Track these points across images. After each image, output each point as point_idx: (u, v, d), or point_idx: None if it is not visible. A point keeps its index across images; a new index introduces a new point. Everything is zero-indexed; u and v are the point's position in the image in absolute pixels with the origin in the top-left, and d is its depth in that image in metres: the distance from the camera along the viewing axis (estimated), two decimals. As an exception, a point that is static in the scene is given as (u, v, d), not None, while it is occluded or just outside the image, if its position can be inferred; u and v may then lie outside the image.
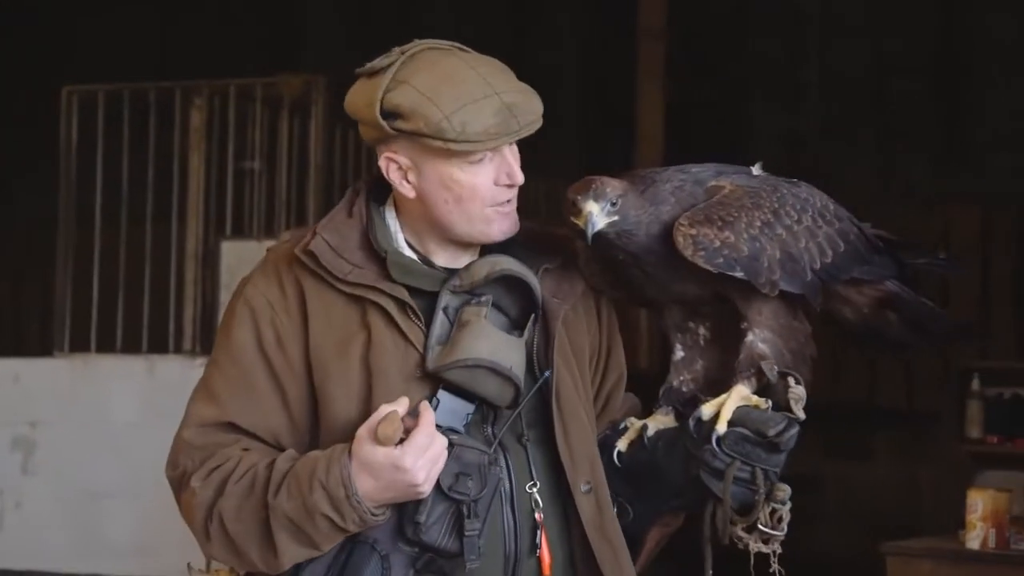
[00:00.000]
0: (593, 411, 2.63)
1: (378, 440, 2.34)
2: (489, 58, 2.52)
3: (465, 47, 2.54)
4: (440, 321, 2.48)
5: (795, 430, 2.45)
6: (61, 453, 7.55)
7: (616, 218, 2.48)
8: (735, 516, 2.48)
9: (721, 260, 2.46)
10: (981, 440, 7.27)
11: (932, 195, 9.52)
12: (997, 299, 9.23)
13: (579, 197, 2.47)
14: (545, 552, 2.49)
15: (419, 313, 2.48)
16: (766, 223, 2.50)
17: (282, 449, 2.49)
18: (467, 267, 2.52)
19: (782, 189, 2.57)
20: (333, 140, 8.01)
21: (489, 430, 2.49)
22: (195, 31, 10.95)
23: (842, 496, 9.44)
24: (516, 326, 2.52)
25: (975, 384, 7.31)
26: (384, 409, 2.37)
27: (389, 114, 2.47)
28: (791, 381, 2.49)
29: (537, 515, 2.50)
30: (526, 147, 2.54)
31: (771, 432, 2.44)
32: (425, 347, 2.47)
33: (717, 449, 2.45)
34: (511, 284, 2.50)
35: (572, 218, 2.49)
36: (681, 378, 2.61)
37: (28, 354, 8.80)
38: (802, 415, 2.47)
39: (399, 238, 2.55)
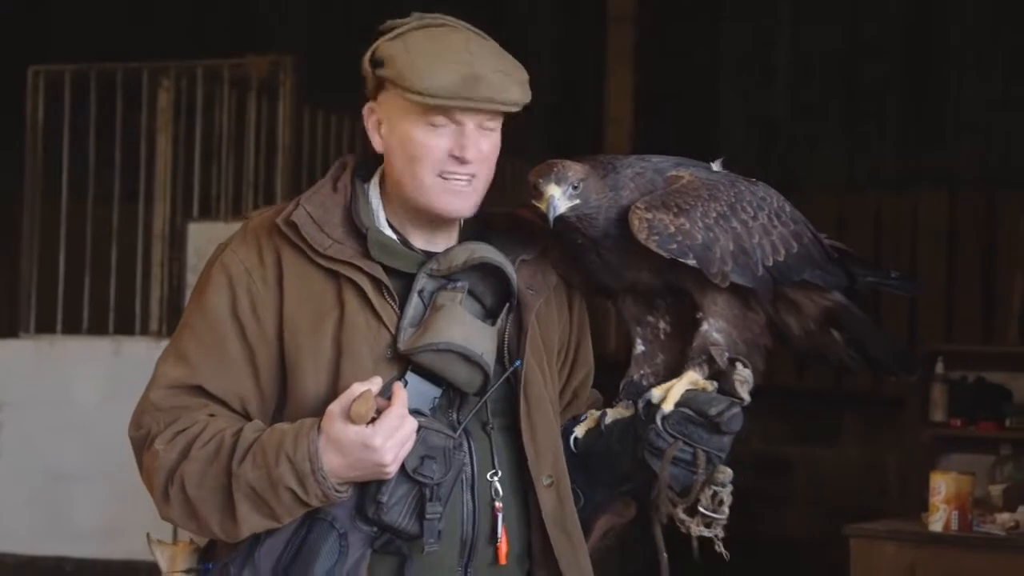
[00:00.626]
0: (559, 405, 2.65)
1: (350, 418, 2.35)
2: (494, 43, 2.55)
3: (480, 32, 2.56)
4: (415, 303, 2.49)
5: (736, 410, 2.48)
6: (26, 435, 7.53)
7: (577, 201, 2.50)
8: (676, 498, 2.49)
9: (674, 246, 2.48)
10: (945, 423, 7.29)
11: (901, 178, 9.55)
12: (963, 282, 9.26)
13: (541, 180, 2.49)
14: (503, 541, 2.51)
15: (394, 293, 2.49)
16: (722, 215, 2.52)
17: (248, 417, 2.50)
18: (446, 252, 2.53)
19: (740, 186, 2.59)
20: (301, 121, 7.99)
21: (455, 415, 2.50)
22: (163, 11, 10.89)
23: (809, 479, 9.48)
24: (490, 315, 2.53)
25: (939, 367, 7.33)
26: (358, 388, 2.37)
27: (376, 63, 2.52)
28: (738, 366, 2.52)
29: (497, 504, 2.51)
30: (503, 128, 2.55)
31: (712, 411, 2.46)
32: (397, 328, 2.47)
33: (661, 429, 2.47)
34: (488, 272, 2.52)
35: (534, 201, 2.50)
36: (641, 372, 2.63)
37: (-7, 335, 8.77)
38: (747, 398, 2.50)
39: (380, 216, 2.56)
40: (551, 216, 2.47)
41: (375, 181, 2.60)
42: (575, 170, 2.50)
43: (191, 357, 2.51)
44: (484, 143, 2.50)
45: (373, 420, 2.36)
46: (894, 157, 9.63)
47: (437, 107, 2.46)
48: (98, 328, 7.87)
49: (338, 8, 10.41)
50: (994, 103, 9.37)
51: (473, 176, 2.50)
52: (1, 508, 7.54)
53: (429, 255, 2.54)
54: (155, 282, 7.92)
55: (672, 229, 2.48)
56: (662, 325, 2.62)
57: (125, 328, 7.85)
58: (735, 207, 2.54)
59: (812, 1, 9.87)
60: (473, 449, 2.50)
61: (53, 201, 8.03)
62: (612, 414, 2.61)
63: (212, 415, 2.48)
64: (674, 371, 2.59)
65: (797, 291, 2.66)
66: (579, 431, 2.63)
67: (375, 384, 2.39)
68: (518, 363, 2.53)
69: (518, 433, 2.54)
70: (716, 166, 2.65)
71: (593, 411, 2.64)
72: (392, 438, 2.35)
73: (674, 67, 9.97)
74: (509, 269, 2.52)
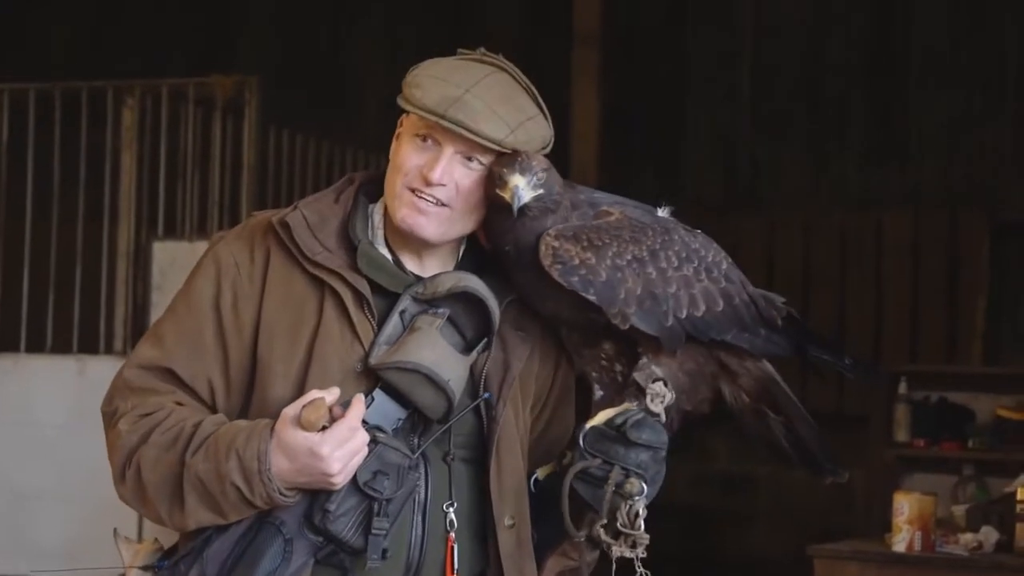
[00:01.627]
0: (526, 449, 2.64)
1: (301, 424, 2.36)
2: (521, 91, 2.56)
3: (525, 81, 2.58)
4: (393, 322, 2.51)
5: (639, 417, 2.47)
6: (-11, 454, 7.49)
7: (541, 191, 2.51)
8: (594, 516, 2.47)
9: (576, 279, 2.48)
10: (908, 444, 7.32)
11: (864, 196, 9.58)
12: (927, 301, 9.29)
13: (505, 170, 2.49)
14: (451, 573, 2.51)
15: (374, 309, 2.51)
16: (637, 259, 2.51)
17: (215, 408, 2.52)
18: (433, 277, 2.55)
19: (674, 235, 2.58)
20: (266, 140, 7.98)
21: (416, 440, 2.50)
22: (127, 30, 10.88)
23: (774, 498, 9.49)
24: (469, 347, 2.53)
25: (902, 387, 7.36)
26: (313, 394, 2.39)
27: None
28: (658, 384, 2.51)
29: (451, 535, 2.51)
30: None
31: (617, 420, 2.47)
32: (372, 344, 2.48)
33: (582, 448, 2.47)
34: (472, 304, 2.52)
35: (498, 191, 2.50)
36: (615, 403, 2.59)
37: (-43, 353, 8.72)
38: (656, 410, 2.49)
39: (379, 235, 2.58)
40: (515, 205, 2.48)
41: (382, 201, 2.62)
42: (538, 160, 2.52)
43: (167, 340, 2.54)
44: (461, 174, 2.51)
45: (325, 429, 2.36)
46: (857, 174, 9.67)
47: (420, 120, 2.50)
48: (62, 347, 7.84)
49: (303, 29, 10.42)
50: (956, 121, 9.42)
51: (439, 201, 2.51)
52: (-36, 528, 7.49)
53: (419, 279, 2.55)
54: (119, 301, 7.88)
55: (577, 262, 2.48)
56: (618, 368, 2.60)
57: (89, 347, 7.81)
58: (657, 254, 2.53)
59: (774, 18, 9.91)
60: (429, 476, 2.51)
61: (17, 219, 8.00)
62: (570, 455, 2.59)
63: (179, 402, 2.51)
64: None
65: (731, 356, 2.64)
66: (540, 473, 2.63)
67: (332, 394, 2.40)
68: (487, 395, 2.54)
69: (483, 469, 2.55)
70: (662, 212, 2.65)
71: (566, 451, 2.61)
72: (340, 448, 2.36)
73: (639, 84, 10.00)
74: (492, 303, 2.52)
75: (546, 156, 2.57)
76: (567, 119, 8.65)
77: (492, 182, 2.51)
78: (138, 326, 7.66)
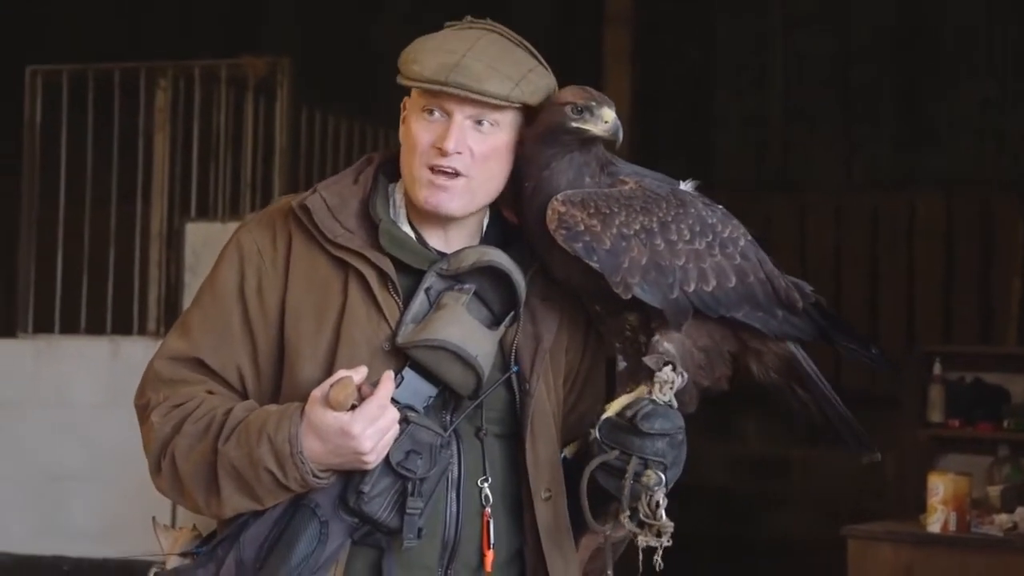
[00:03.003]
0: (561, 421, 2.62)
1: (329, 404, 2.35)
2: (514, 46, 2.55)
3: (517, 37, 2.58)
4: (420, 300, 2.49)
5: (649, 408, 2.43)
6: (24, 435, 7.53)
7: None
8: (619, 507, 2.45)
9: (580, 245, 2.46)
10: (943, 424, 7.29)
11: (896, 179, 9.55)
12: (961, 283, 9.26)
13: (593, 103, 2.49)
14: (488, 548, 2.50)
15: (399, 288, 2.49)
16: (646, 229, 2.49)
17: (246, 395, 2.51)
18: (456, 252, 2.52)
19: (690, 208, 2.55)
20: (298, 121, 7.99)
21: (448, 417, 2.49)
22: (160, 11, 10.90)
23: (806, 480, 9.47)
24: (497, 321, 2.51)
25: (937, 368, 7.33)
26: (340, 374, 2.38)
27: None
28: (665, 368, 2.47)
29: (487, 510, 2.50)
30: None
31: (628, 413, 2.44)
32: (399, 322, 2.47)
33: (599, 439, 2.46)
34: (498, 278, 2.50)
35: (577, 124, 2.49)
36: (630, 388, 2.55)
37: (-9, 335, 8.76)
38: (665, 398, 2.46)
39: (401, 214, 2.56)
40: (619, 136, 2.49)
41: (402, 180, 2.60)
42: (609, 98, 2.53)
43: (194, 330, 2.54)
44: (474, 139, 2.49)
45: (355, 407, 2.36)
46: (890, 158, 9.64)
47: (423, 92, 2.49)
48: (96, 328, 7.87)
49: (330, 12, 10.43)
50: (989, 103, 9.38)
51: (458, 172, 2.49)
52: (-1, 508, 7.54)
53: (443, 255, 2.54)
54: (152, 282, 7.92)
55: (581, 228, 2.46)
56: (642, 339, 2.57)
57: (123, 328, 7.85)
58: (668, 225, 2.51)
59: (805, 4, 9.88)
60: (462, 452, 2.49)
61: (51, 201, 8.03)
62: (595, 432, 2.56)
63: (210, 391, 2.50)
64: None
65: (753, 337, 2.62)
66: (568, 450, 2.61)
67: (359, 373, 2.39)
68: (515, 369, 2.53)
69: (518, 443, 2.53)
70: (685, 185, 2.62)
71: (591, 429, 2.58)
72: (371, 426, 2.35)
73: (670, 68, 9.98)
74: (517, 276, 2.50)
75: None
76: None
77: (565, 116, 2.50)
78: (171, 307, 7.69)
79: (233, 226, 2.64)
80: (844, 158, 9.76)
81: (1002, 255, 9.04)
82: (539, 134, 2.52)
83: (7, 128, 8.77)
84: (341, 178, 2.60)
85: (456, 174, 2.49)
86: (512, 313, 2.52)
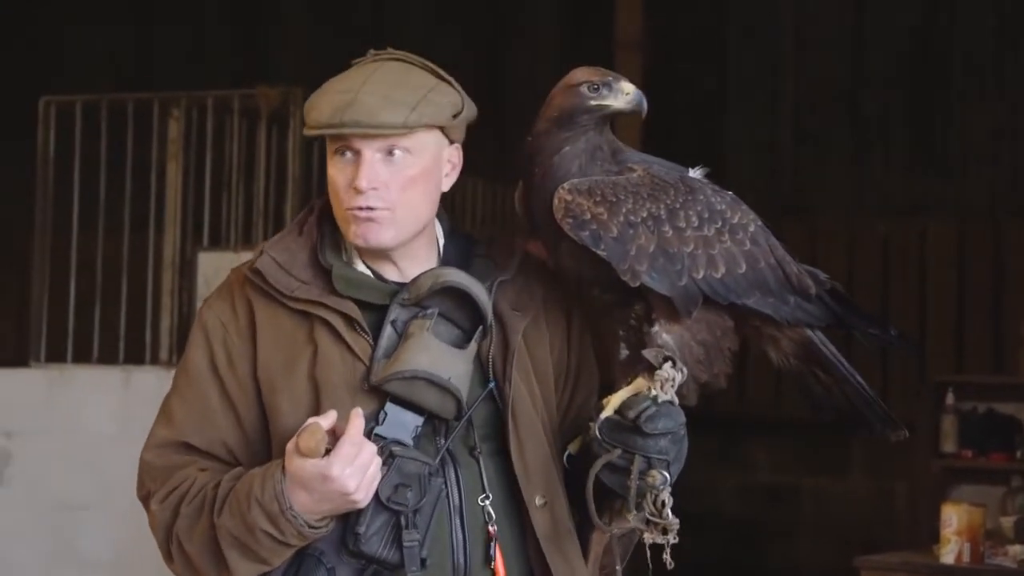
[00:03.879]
0: (556, 425, 2.63)
1: (302, 453, 2.36)
2: (413, 70, 2.55)
3: (418, 59, 2.58)
4: (388, 334, 2.50)
5: (652, 410, 2.43)
6: (36, 464, 7.52)
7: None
8: (627, 505, 2.45)
9: (587, 233, 2.46)
10: (955, 454, 7.28)
11: (908, 207, 9.55)
12: (973, 312, 9.25)
13: (611, 79, 2.50)
14: (500, 565, 2.51)
15: (366, 327, 2.51)
16: (653, 216, 2.49)
17: (238, 465, 2.53)
18: (414, 280, 2.54)
19: (698, 195, 2.55)
20: (311, 151, 8.00)
21: (441, 441, 2.50)
22: (174, 42, 10.94)
23: (817, 509, 9.46)
24: (469, 338, 2.52)
25: (949, 398, 7.32)
26: (308, 422, 2.39)
27: None
28: (665, 365, 2.47)
29: (490, 528, 2.51)
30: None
31: (630, 414, 2.44)
32: (371, 360, 2.49)
33: (599, 438, 2.46)
34: (461, 296, 2.51)
35: (597, 102, 2.50)
36: (630, 377, 2.55)
37: (3, 364, 8.76)
38: (666, 396, 2.45)
39: (354, 253, 2.58)
40: (643, 106, 2.50)
41: None
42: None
43: (176, 415, 2.57)
44: (387, 172, 2.50)
45: (329, 451, 2.36)
46: (901, 185, 9.63)
47: (320, 137, 2.51)
48: (108, 357, 7.88)
49: (345, 38, 10.46)
50: (1000, 132, 9.38)
51: (374, 207, 2.50)
52: (10, 537, 7.53)
53: (403, 285, 2.55)
54: (165, 311, 7.93)
55: (588, 216, 2.46)
56: (646, 328, 2.56)
57: (135, 358, 7.85)
58: (676, 212, 2.50)
59: (816, 29, 9.89)
60: (460, 475, 2.51)
61: (64, 230, 8.04)
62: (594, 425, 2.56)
63: (203, 469, 2.52)
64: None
65: (768, 324, 2.62)
66: (572, 447, 2.61)
67: (328, 418, 2.40)
68: (491, 385, 2.54)
69: (508, 455, 2.54)
70: (694, 172, 2.62)
71: (590, 423, 2.58)
72: (350, 466, 2.36)
73: (681, 94, 9.99)
74: (476, 290, 2.51)
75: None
76: (610, 125, 8.64)
77: (582, 96, 2.51)
78: (183, 337, 7.67)
79: (246, 255, 2.67)
80: (856, 184, 9.76)
81: (1014, 283, 9.03)
82: (553, 119, 2.53)
83: (21, 157, 8.80)
84: (286, 234, 2.62)
85: (378, 209, 2.50)
86: (481, 328, 2.53)
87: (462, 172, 2.64)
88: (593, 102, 2.50)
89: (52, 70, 10.47)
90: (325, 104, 2.48)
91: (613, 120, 2.55)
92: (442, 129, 2.55)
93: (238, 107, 7.90)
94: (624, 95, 2.50)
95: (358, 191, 2.48)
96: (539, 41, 10.09)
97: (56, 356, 7.93)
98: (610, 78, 2.50)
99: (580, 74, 2.53)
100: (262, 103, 7.81)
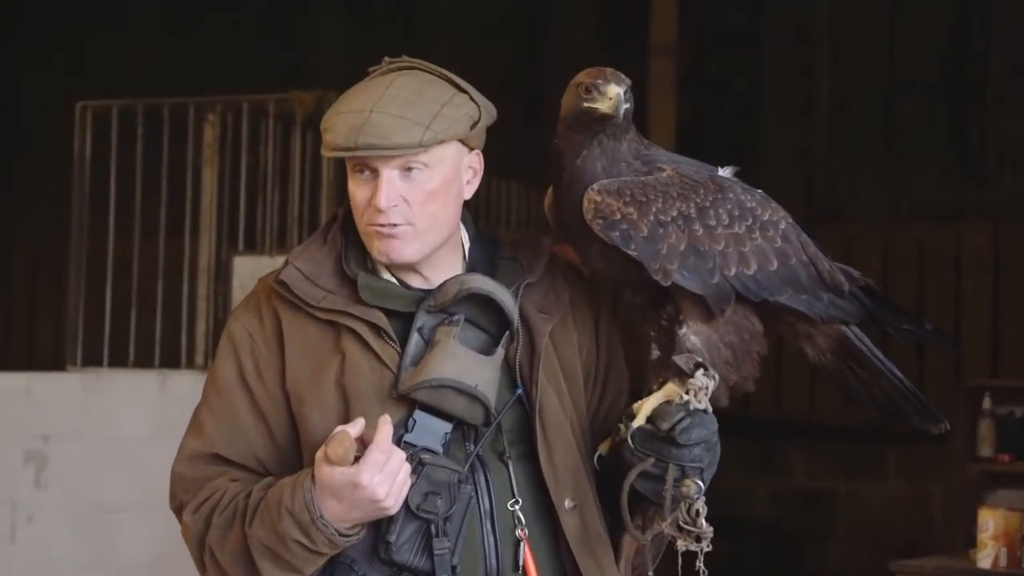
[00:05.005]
0: (586, 427, 2.63)
1: (331, 461, 2.36)
2: (425, 79, 2.55)
3: (435, 68, 2.57)
4: (415, 342, 2.51)
5: (687, 422, 2.43)
6: (73, 467, 7.56)
7: (628, 106, 2.51)
8: (660, 513, 2.45)
9: (617, 234, 2.47)
10: (992, 459, 7.25)
11: (943, 212, 9.51)
12: (1008, 316, 9.21)
13: (600, 81, 2.50)
14: (531, 569, 2.51)
15: (393, 335, 2.51)
16: (684, 215, 2.49)
17: (269, 475, 2.54)
18: (440, 286, 2.54)
19: (728, 193, 2.55)
20: (345, 156, 8.01)
21: (471, 447, 2.51)
22: (209, 46, 10.98)
23: (853, 514, 9.43)
24: (496, 343, 2.53)
25: (986, 403, 7.29)
26: (336, 430, 2.39)
27: None
28: (697, 373, 2.46)
29: (519, 532, 2.51)
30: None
31: (664, 425, 2.43)
32: (399, 368, 2.49)
33: (632, 446, 2.46)
34: (486, 302, 2.51)
35: (588, 104, 2.50)
36: (660, 380, 2.55)
37: (40, 368, 8.81)
38: (700, 405, 2.44)
39: (378, 262, 2.58)
40: (620, 110, 2.48)
41: None
42: (625, 77, 2.52)
43: (206, 427, 2.58)
44: (406, 189, 2.50)
45: (358, 459, 2.37)
46: (936, 191, 9.60)
47: (341, 159, 2.51)
48: (144, 361, 7.91)
49: (379, 43, 10.49)
50: (1035, 136, 9.35)
51: (395, 224, 2.50)
52: (48, 540, 7.57)
53: (429, 292, 2.55)
54: (200, 316, 7.95)
55: (618, 216, 2.47)
56: (676, 329, 2.56)
57: (171, 361, 7.88)
58: (706, 211, 2.51)
59: (851, 33, 9.87)
60: (490, 480, 2.51)
61: (100, 235, 8.08)
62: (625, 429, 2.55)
63: (234, 480, 2.54)
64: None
65: (801, 321, 2.61)
66: (602, 448, 2.61)
67: (356, 426, 2.39)
68: (519, 391, 2.54)
69: (537, 459, 2.54)
70: (724, 171, 2.62)
71: (620, 426, 2.58)
72: (379, 473, 2.36)
73: (716, 99, 9.98)
74: (502, 295, 2.52)
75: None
76: (644, 131, 8.64)
77: (578, 97, 2.51)
78: (219, 340, 7.69)
79: (281, 259, 2.66)
80: (890, 189, 9.73)
81: (1049, 287, 8.99)
82: (564, 120, 2.54)
83: (57, 163, 8.84)
84: (311, 243, 2.63)
85: (398, 226, 2.50)
86: (508, 333, 2.53)
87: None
88: (584, 104, 2.51)
89: (88, 75, 10.51)
90: (340, 125, 2.48)
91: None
92: (461, 138, 2.55)
93: (273, 111, 7.92)
94: (608, 100, 2.50)
95: (378, 210, 2.49)
96: (574, 44, 10.09)
97: (92, 360, 7.96)
98: (600, 80, 2.50)
99: (580, 75, 2.54)
100: (297, 107, 7.82)
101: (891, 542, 8.47)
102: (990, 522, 5.75)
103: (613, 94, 2.49)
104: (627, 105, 2.50)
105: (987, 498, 7.04)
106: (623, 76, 2.52)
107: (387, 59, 2.59)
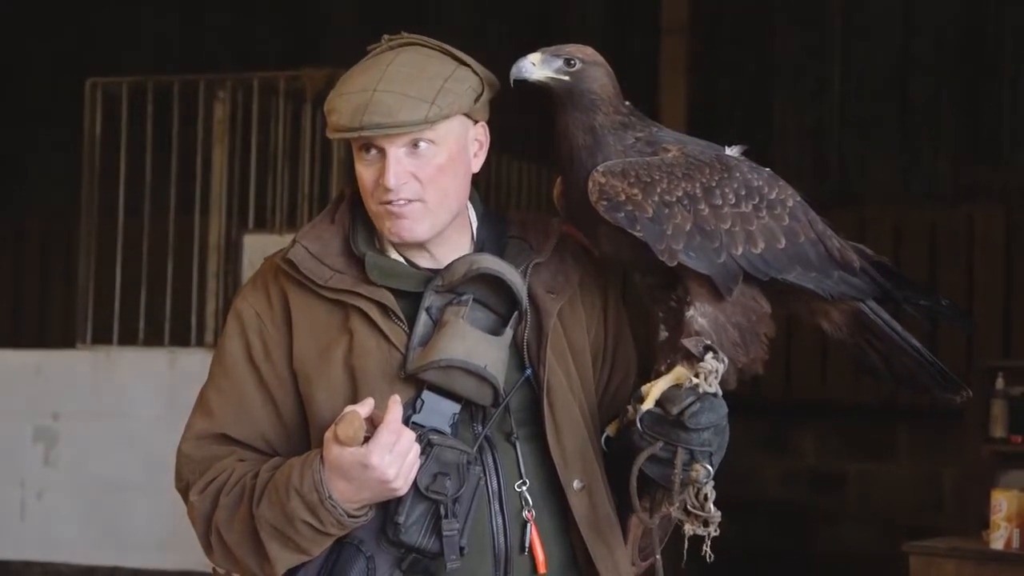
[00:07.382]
0: (595, 408, 2.61)
1: (341, 441, 2.34)
2: (426, 54, 2.52)
3: (434, 43, 2.55)
4: (423, 322, 2.48)
5: (697, 406, 2.40)
6: (83, 445, 7.57)
7: (565, 79, 2.49)
8: (668, 497, 2.43)
9: (622, 215, 2.44)
10: (1005, 440, 7.22)
11: (955, 193, 9.49)
12: (1021, 297, 9.19)
13: (537, 52, 2.51)
14: (537, 550, 2.49)
15: (400, 315, 2.49)
16: (689, 195, 2.47)
17: (276, 455, 2.52)
18: (448, 266, 2.52)
19: (734, 172, 2.52)
20: (356, 134, 8.00)
21: (479, 428, 2.49)
22: (220, 24, 10.97)
23: (864, 495, 9.42)
24: (504, 323, 2.50)
25: (999, 383, 7.27)
26: (346, 410, 2.37)
27: None
28: (707, 356, 2.44)
29: (526, 513, 2.49)
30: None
31: (673, 409, 2.41)
32: (407, 348, 2.47)
33: (640, 430, 2.44)
34: (496, 282, 2.49)
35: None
36: (668, 361, 2.51)
37: (51, 346, 8.82)
38: (711, 388, 2.41)
39: (386, 241, 2.55)
40: (513, 77, 2.48)
41: None
42: (584, 53, 2.50)
43: (213, 407, 2.56)
44: (414, 165, 2.47)
45: (368, 440, 2.35)
46: (949, 171, 9.57)
47: (345, 140, 2.48)
48: (154, 339, 7.92)
49: (393, 21, 10.46)
50: (1048, 117, 9.32)
51: (407, 200, 2.48)
52: (57, 518, 7.58)
53: (437, 272, 2.53)
54: (210, 294, 7.96)
55: (623, 198, 2.44)
56: (684, 310, 2.53)
57: (180, 340, 7.89)
58: (711, 190, 2.48)
59: (863, 14, 9.84)
60: (498, 461, 2.49)
61: (110, 213, 8.08)
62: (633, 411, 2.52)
63: (241, 460, 2.52)
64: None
65: (815, 300, 2.59)
66: (610, 430, 2.59)
67: (365, 406, 2.37)
68: (528, 372, 2.52)
69: (545, 440, 2.52)
70: (731, 150, 2.59)
71: (628, 408, 2.54)
72: (389, 453, 2.34)
73: (727, 79, 9.95)
74: (511, 276, 2.49)
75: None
76: (656, 112, 8.63)
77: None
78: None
79: (291, 238, 2.64)
80: (903, 171, 9.70)
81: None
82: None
83: (67, 141, 8.84)
84: (319, 222, 2.60)
85: (409, 202, 2.48)
86: (516, 313, 2.51)
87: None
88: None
89: (98, 53, 10.50)
90: (344, 106, 2.45)
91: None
92: (465, 112, 2.53)
93: (284, 89, 7.92)
94: (515, 66, 2.50)
95: (387, 189, 2.47)
96: (586, 26, 10.07)
97: (102, 338, 7.97)
98: (538, 51, 2.50)
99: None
100: (308, 85, 7.82)
101: (901, 523, 8.46)
102: (1003, 503, 5.73)
103: (525, 61, 2.49)
104: (553, 75, 2.48)
105: (999, 479, 7.01)
106: (566, 48, 2.50)
107: (386, 36, 2.56)
